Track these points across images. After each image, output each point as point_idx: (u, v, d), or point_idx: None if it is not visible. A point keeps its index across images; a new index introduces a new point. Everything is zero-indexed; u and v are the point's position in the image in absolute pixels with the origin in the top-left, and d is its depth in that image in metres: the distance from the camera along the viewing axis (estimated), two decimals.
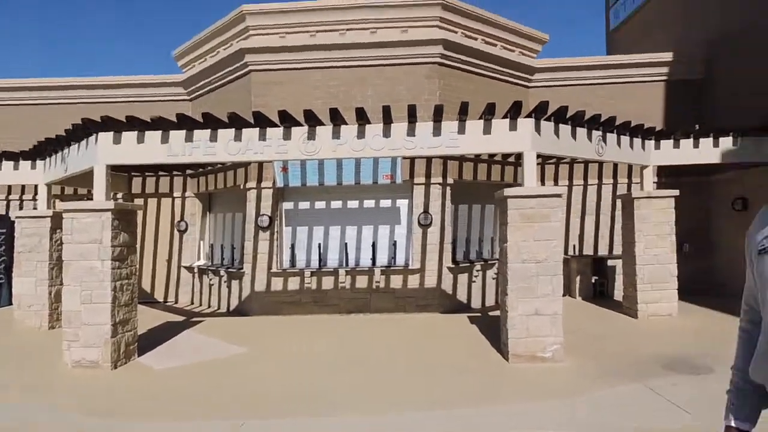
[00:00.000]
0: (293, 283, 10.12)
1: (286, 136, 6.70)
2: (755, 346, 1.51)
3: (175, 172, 12.06)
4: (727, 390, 1.65)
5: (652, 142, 8.85)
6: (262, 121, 6.62)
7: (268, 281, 10.11)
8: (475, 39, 10.87)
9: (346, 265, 10.18)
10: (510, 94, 10.79)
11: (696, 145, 8.92)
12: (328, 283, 10.09)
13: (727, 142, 8.88)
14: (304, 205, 10.55)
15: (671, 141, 8.91)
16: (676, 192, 8.96)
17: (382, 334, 8.24)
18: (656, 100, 11.81)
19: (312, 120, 6.58)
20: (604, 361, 6.30)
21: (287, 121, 6.60)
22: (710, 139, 8.90)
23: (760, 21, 9.90)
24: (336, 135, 6.66)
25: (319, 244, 10.36)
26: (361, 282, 10.06)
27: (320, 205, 10.52)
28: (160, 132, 6.72)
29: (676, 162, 9.04)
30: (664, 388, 5.22)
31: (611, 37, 17.37)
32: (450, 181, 10.20)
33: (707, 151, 8.94)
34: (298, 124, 6.73)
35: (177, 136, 6.72)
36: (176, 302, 11.97)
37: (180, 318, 9.92)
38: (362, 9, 10.25)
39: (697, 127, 8.96)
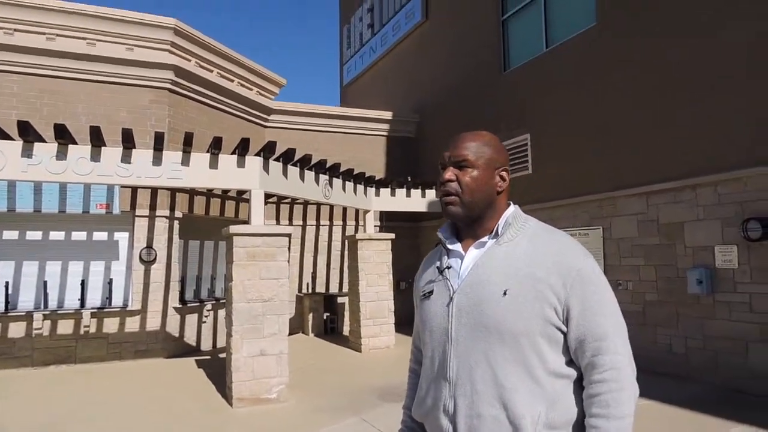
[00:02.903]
0: None
1: None
2: None
3: None
4: (399, 430, 1.67)
5: (373, 189, 9.79)
6: None
7: None
8: (211, 71, 10.57)
9: (45, 307, 8.58)
10: (247, 132, 10.73)
11: (408, 195, 10.22)
12: (17, 330, 8.34)
13: (431, 194, 10.40)
14: None
15: (389, 189, 10.01)
16: (392, 235, 10.00)
17: (87, 387, 7.12)
18: (379, 151, 13.22)
19: None
20: (327, 398, 6.46)
21: None
22: (419, 191, 10.31)
23: (448, 101, 12.01)
24: (27, 153, 5.54)
25: (7, 283, 8.48)
26: (65, 327, 8.59)
27: (10, 235, 8.64)
28: None
29: (393, 208, 10.25)
30: (376, 418, 5.58)
31: (345, 90, 18.95)
32: (179, 214, 9.50)
33: (417, 201, 10.33)
34: None
35: None
36: None
37: None
38: (79, 16, 8.99)
39: (409, 179, 10.28)
